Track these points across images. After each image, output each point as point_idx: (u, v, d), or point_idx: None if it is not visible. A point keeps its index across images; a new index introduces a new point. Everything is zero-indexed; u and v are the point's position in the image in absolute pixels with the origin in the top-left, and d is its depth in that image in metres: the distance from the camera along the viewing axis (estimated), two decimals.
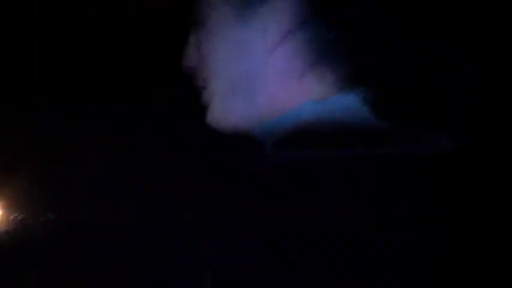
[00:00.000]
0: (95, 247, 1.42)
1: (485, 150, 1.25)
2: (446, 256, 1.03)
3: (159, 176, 1.55)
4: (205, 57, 1.06)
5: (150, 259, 1.40)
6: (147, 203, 1.61)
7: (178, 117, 1.74)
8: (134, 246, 1.44)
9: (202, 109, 1.62)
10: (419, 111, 1.53)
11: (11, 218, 1.43)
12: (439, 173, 1.30)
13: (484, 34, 1.55)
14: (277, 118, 1.34)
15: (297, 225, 1.55)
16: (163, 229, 1.47)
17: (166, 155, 1.59)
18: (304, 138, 1.63)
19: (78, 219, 1.50)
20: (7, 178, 1.54)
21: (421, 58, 1.55)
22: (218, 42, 1.06)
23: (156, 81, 1.74)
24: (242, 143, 1.53)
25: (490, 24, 1.60)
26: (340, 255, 1.41)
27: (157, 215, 1.48)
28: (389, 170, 1.64)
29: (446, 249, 1.04)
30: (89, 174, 1.70)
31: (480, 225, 1.13)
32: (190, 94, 1.69)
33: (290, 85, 1.16)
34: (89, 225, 1.46)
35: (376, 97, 1.42)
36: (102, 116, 1.93)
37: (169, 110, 1.72)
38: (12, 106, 1.60)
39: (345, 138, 1.69)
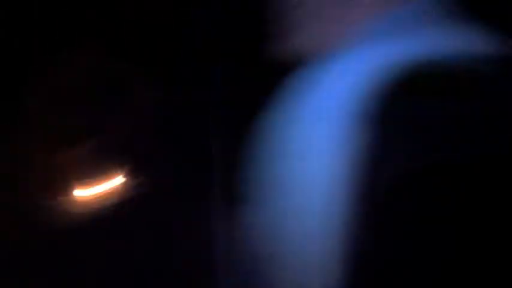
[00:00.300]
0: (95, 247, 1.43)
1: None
2: (446, 256, 1.04)
3: (158, 177, 1.56)
4: None
5: (150, 259, 1.41)
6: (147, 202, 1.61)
7: (178, 117, 1.75)
8: (134, 246, 1.44)
9: (201, 109, 1.62)
10: None
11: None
12: (439, 173, 1.28)
13: None
14: None
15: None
16: (162, 228, 1.47)
17: (165, 156, 1.60)
18: None
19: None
20: None
21: None
22: None
23: (155, 81, 1.75)
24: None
25: None
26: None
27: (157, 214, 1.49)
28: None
29: (446, 249, 1.04)
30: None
31: (480, 225, 1.13)
32: (189, 94, 1.70)
33: None
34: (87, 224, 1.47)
35: None
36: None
37: (169, 110, 1.73)
38: (12, 106, 1.61)
39: None
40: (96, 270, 1.27)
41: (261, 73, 1.25)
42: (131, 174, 1.40)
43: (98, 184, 1.42)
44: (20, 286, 1.24)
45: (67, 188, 1.38)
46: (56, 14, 1.65)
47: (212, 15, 1.57)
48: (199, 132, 1.44)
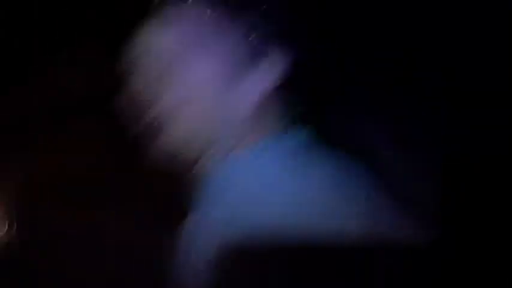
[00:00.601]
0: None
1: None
2: (447, 256, 1.03)
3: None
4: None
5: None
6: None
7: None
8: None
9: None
10: None
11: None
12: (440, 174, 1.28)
13: None
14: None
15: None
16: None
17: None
18: None
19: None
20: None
21: None
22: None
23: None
24: None
25: None
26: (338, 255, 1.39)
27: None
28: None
29: (446, 249, 1.04)
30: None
31: (480, 225, 1.13)
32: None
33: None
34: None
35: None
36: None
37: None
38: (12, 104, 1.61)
39: None
40: None
41: None
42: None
43: None
44: None
45: None
46: (56, 14, 1.64)
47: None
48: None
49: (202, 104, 0.75)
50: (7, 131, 1.47)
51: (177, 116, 0.76)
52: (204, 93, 0.75)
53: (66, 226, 1.38)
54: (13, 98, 1.52)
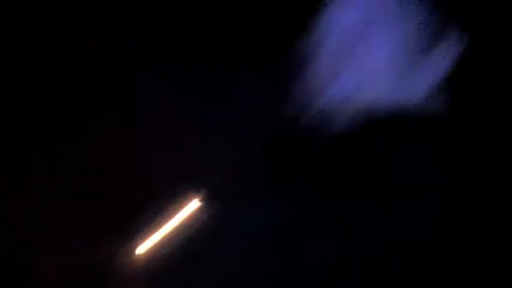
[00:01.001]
0: None
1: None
2: (446, 256, 1.03)
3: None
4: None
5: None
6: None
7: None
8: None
9: (207, 111, 1.61)
10: None
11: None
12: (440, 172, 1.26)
13: None
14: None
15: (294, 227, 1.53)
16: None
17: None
18: None
19: None
20: None
21: None
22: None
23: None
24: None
25: None
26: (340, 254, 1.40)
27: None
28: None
29: (446, 249, 1.04)
30: None
31: (480, 225, 1.12)
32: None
33: None
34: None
35: None
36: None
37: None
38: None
39: None
40: None
41: None
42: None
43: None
44: None
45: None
46: (56, 14, 1.64)
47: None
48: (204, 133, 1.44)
49: (379, 83, 0.78)
50: (7, 131, 1.47)
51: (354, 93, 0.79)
52: (381, 72, 0.78)
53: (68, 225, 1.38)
54: (13, 98, 1.52)
